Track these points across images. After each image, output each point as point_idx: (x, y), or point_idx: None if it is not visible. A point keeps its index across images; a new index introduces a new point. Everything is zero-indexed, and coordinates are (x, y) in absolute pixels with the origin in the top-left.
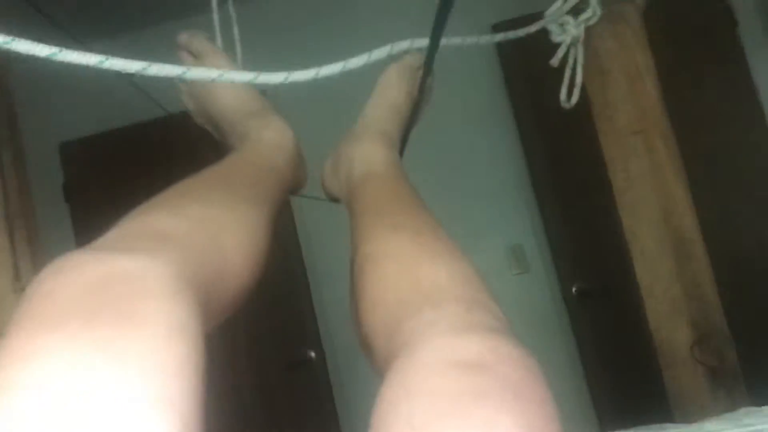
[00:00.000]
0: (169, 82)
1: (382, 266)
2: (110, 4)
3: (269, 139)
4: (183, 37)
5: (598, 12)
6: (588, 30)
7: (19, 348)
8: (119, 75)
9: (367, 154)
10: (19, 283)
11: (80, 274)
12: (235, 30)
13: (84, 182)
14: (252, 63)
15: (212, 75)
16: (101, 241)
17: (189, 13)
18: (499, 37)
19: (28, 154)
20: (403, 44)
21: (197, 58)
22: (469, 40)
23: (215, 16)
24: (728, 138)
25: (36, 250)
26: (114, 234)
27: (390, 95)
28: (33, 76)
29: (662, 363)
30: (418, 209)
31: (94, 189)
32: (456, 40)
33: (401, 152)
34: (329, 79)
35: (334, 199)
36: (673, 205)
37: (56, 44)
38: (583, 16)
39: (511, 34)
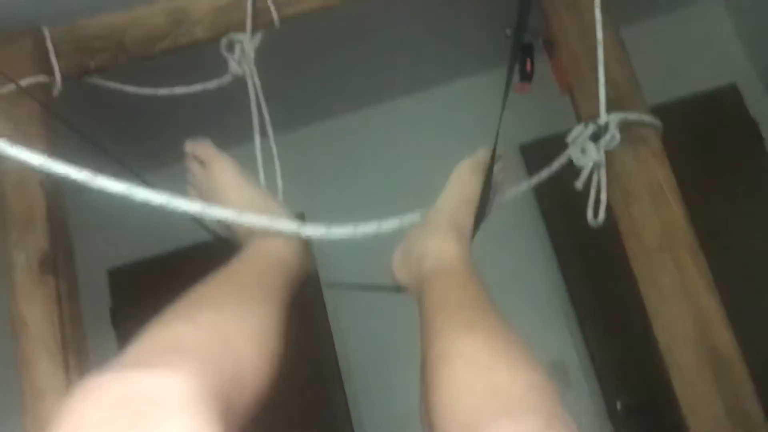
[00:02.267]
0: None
1: (456, 367)
2: (158, 137)
3: (275, 234)
4: (188, 146)
5: (618, 137)
6: (609, 152)
7: None
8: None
9: (439, 248)
10: None
11: (104, 395)
12: (276, 162)
13: (130, 307)
14: (293, 193)
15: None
16: (124, 357)
17: (231, 143)
18: (536, 180)
19: (79, 279)
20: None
21: (204, 165)
22: (512, 193)
23: (258, 152)
24: (759, 249)
25: (86, 376)
26: (135, 349)
27: (462, 189)
28: (83, 204)
29: None
30: (489, 308)
31: (140, 314)
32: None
33: (472, 236)
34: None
35: (401, 288)
36: (707, 321)
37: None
38: (603, 141)
39: (540, 177)
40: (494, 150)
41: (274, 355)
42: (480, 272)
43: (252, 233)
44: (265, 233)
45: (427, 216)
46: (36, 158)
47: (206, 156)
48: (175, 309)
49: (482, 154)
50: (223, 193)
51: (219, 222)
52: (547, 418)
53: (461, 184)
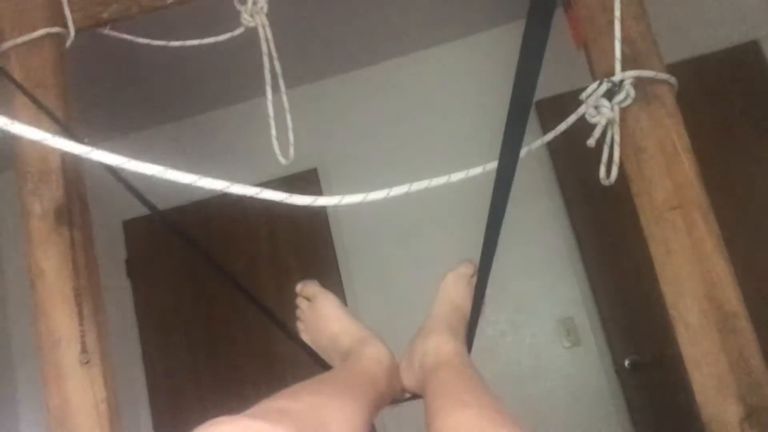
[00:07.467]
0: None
1: None
2: (180, 90)
3: (369, 354)
4: (298, 287)
5: (632, 94)
6: (623, 110)
7: None
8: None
9: (437, 345)
10: (86, 355)
11: (231, 428)
12: (288, 117)
13: (145, 258)
14: (307, 149)
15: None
16: (245, 413)
17: (244, 98)
18: (539, 141)
19: (95, 231)
20: (477, 170)
21: (311, 300)
22: (525, 151)
23: (269, 107)
24: None
25: (101, 326)
26: (253, 410)
27: (450, 298)
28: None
29: None
30: (482, 390)
31: (155, 265)
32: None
33: (469, 346)
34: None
35: (414, 394)
36: (715, 280)
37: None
38: (617, 99)
39: (552, 134)
40: (481, 280)
41: None
42: (471, 361)
43: (348, 354)
44: (361, 354)
45: (424, 324)
46: (24, 130)
47: (313, 293)
48: (282, 392)
49: (463, 269)
50: (327, 322)
51: (314, 344)
52: None
53: (448, 294)
